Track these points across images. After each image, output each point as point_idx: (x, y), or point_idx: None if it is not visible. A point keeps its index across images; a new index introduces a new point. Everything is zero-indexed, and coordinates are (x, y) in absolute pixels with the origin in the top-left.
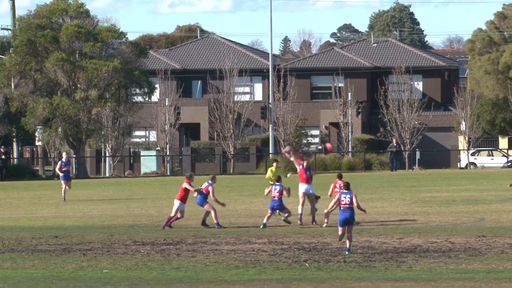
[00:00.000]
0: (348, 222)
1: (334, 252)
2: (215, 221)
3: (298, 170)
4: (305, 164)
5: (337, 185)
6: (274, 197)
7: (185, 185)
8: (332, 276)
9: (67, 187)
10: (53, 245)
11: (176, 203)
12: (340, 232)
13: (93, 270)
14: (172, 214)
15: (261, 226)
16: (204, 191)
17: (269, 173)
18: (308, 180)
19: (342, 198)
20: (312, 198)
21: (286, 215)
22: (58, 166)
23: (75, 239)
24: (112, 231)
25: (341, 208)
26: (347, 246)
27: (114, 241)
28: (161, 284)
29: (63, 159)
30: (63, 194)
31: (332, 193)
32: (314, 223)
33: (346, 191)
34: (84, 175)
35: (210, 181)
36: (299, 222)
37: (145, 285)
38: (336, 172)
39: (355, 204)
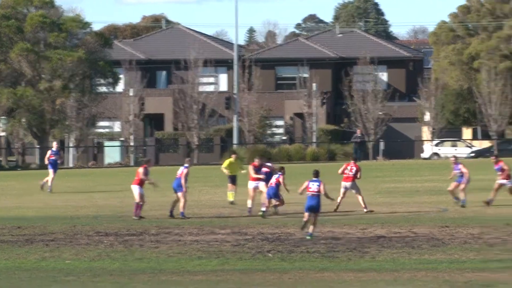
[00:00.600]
0: (314, 209)
1: (297, 242)
2: (181, 211)
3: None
4: (256, 162)
5: (349, 168)
6: (270, 183)
7: (140, 169)
8: (295, 266)
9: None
10: (16, 235)
11: (135, 188)
12: (305, 218)
13: (56, 260)
14: (138, 200)
15: (260, 213)
16: (179, 177)
17: (226, 164)
18: (255, 179)
19: (310, 186)
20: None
21: (264, 208)
22: (47, 155)
23: (38, 229)
24: (75, 221)
25: (309, 195)
26: (310, 231)
27: (77, 231)
28: (124, 275)
29: (53, 148)
30: (49, 184)
31: (343, 172)
32: (276, 209)
33: (315, 179)
34: None
35: (186, 165)
36: (248, 213)
37: (108, 275)
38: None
39: (322, 192)
